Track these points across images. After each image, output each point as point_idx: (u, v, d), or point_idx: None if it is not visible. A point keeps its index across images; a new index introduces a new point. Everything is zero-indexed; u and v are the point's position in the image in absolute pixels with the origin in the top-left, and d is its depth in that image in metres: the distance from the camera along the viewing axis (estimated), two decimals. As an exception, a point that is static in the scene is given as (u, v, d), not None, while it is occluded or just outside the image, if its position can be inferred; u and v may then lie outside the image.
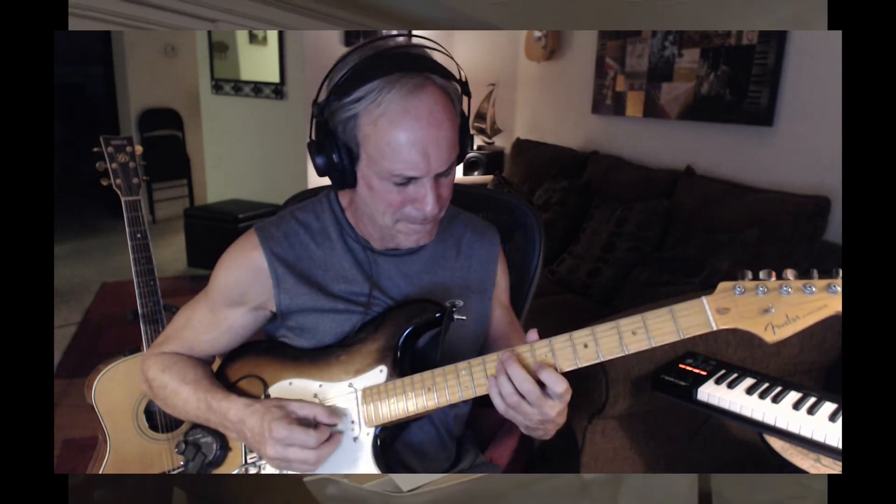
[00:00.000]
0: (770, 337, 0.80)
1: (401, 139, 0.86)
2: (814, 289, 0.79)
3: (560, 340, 0.86)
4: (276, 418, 0.89)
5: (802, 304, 0.79)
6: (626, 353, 0.84)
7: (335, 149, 0.91)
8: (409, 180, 0.89)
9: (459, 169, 0.96)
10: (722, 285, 0.82)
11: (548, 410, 0.84)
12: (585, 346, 0.85)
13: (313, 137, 0.93)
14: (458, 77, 0.93)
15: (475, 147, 4.27)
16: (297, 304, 0.98)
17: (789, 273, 0.81)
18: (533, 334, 0.87)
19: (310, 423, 0.91)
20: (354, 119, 0.88)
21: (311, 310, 0.98)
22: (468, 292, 1.07)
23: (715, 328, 0.82)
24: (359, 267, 1.01)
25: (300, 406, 0.92)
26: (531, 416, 0.85)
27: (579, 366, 0.86)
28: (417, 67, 0.87)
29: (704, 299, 0.82)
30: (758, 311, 0.80)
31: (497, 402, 0.86)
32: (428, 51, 0.92)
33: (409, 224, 0.94)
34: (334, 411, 0.93)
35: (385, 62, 0.87)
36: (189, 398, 0.99)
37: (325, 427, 0.91)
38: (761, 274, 0.81)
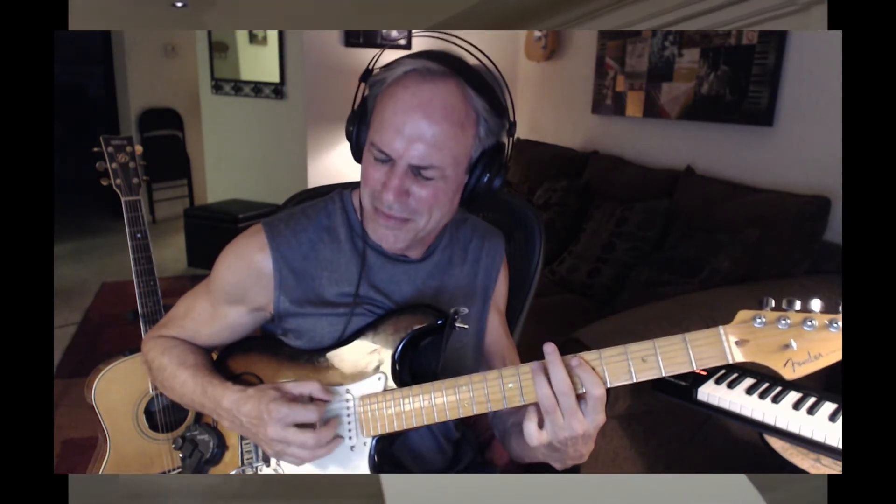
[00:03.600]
0: (789, 374, 0.73)
1: (389, 111, 0.87)
2: (840, 324, 0.72)
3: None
4: (274, 398, 0.87)
5: (827, 341, 0.73)
6: (635, 381, 0.79)
7: (358, 118, 0.95)
8: (386, 159, 0.89)
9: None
10: (741, 314, 0.76)
11: (576, 425, 0.79)
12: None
13: (355, 108, 0.97)
14: (508, 116, 0.95)
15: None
16: (296, 308, 0.97)
17: (814, 305, 0.74)
18: (550, 346, 0.84)
19: (307, 402, 0.90)
20: (378, 85, 0.92)
21: (310, 314, 0.98)
22: (472, 299, 1.06)
23: (732, 361, 0.75)
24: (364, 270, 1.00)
25: (295, 385, 0.91)
26: (560, 432, 0.80)
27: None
28: (448, 63, 0.89)
29: (722, 329, 0.76)
30: (778, 345, 0.74)
31: (531, 430, 0.82)
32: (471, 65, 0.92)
33: (378, 215, 0.93)
34: (329, 389, 0.92)
35: (425, 51, 0.90)
36: (187, 381, 0.98)
37: (322, 403, 0.90)
38: (784, 303, 0.75)
